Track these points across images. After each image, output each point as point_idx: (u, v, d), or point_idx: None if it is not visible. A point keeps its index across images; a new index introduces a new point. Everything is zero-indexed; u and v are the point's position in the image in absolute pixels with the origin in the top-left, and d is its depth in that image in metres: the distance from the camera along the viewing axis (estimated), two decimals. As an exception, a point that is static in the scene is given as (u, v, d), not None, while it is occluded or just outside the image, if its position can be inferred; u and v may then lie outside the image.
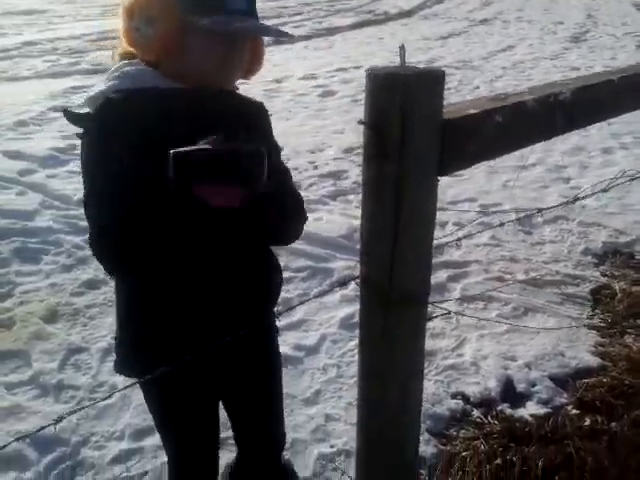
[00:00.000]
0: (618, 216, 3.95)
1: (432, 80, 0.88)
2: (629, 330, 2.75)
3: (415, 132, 0.88)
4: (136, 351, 1.31)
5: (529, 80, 7.37)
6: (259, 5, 1.18)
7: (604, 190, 2.11)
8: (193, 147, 0.96)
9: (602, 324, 2.82)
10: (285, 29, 1.24)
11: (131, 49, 1.18)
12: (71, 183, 4.07)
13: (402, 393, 1.07)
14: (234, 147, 0.98)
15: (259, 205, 1.11)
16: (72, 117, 1.15)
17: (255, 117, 1.29)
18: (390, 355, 1.03)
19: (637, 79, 1.33)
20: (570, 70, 7.87)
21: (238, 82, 1.30)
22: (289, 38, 1.28)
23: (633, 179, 2.04)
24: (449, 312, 1.54)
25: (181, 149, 0.95)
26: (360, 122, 0.93)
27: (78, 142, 1.18)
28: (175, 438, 1.45)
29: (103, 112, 1.12)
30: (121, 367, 1.36)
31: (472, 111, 0.96)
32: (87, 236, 1.16)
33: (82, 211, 1.18)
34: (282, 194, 1.20)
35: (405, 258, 0.96)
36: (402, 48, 0.89)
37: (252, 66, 1.26)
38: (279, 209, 1.20)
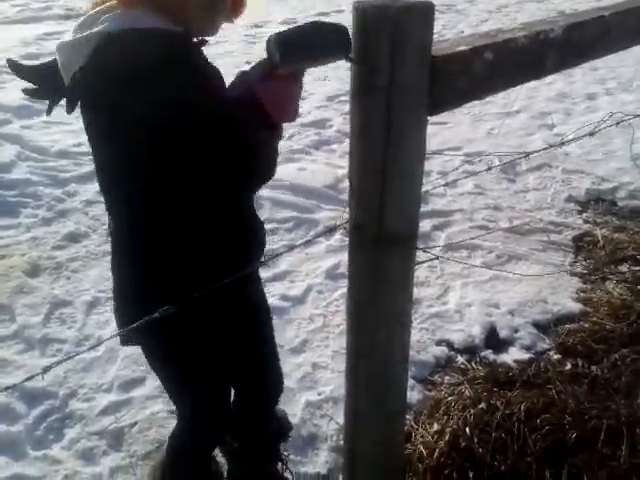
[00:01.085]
0: (601, 163, 3.96)
1: (422, 13, 0.85)
2: (610, 276, 2.79)
3: (405, 66, 0.86)
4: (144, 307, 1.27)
5: (514, 24, 7.23)
6: None
7: (591, 133, 2.10)
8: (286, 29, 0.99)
9: (584, 271, 2.86)
10: None
11: None
12: (47, 134, 3.96)
13: (391, 336, 1.08)
14: (329, 23, 0.99)
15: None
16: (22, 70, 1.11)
17: None
18: (380, 297, 1.04)
19: (628, 15, 1.30)
20: (556, 13, 7.73)
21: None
22: None
23: (619, 123, 2.03)
24: (437, 257, 1.54)
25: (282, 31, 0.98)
26: (348, 59, 0.91)
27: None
28: (191, 384, 1.41)
29: (107, 47, 0.99)
30: (125, 337, 1.30)
31: (462, 48, 0.94)
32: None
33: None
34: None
35: (395, 199, 0.95)
36: None
37: (236, 7, 1.20)
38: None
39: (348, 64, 0.92)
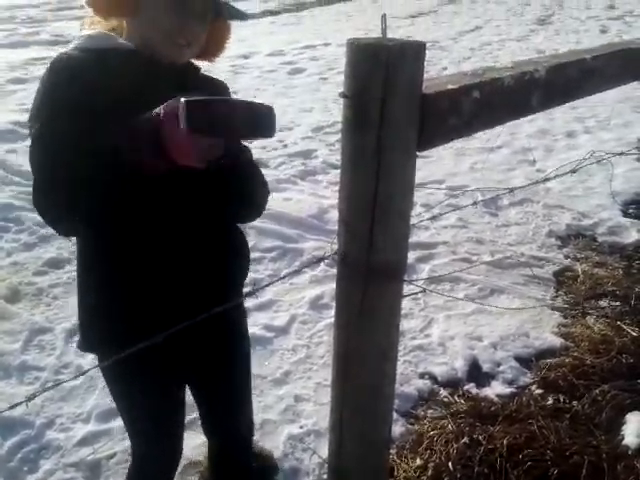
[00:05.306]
0: (581, 199, 4.04)
1: (414, 52, 0.87)
2: (590, 311, 2.82)
3: (396, 104, 0.88)
4: (99, 327, 1.27)
5: (496, 62, 7.41)
6: None
7: (573, 171, 2.15)
8: (206, 97, 0.93)
9: (565, 305, 2.89)
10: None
11: (97, 18, 1.17)
12: (26, 159, 3.93)
13: (377, 369, 1.08)
14: (250, 102, 0.95)
15: (229, 175, 1.11)
16: None
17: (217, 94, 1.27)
18: (368, 331, 1.04)
19: (608, 59, 1.35)
20: (536, 53, 7.95)
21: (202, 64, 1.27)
22: (243, 19, 1.26)
23: (599, 161, 2.08)
24: (424, 290, 1.55)
25: (196, 98, 0.91)
26: (341, 94, 0.93)
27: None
28: (139, 420, 1.40)
29: (55, 65, 1.11)
30: (83, 344, 1.31)
31: (451, 86, 0.97)
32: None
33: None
34: (250, 165, 1.22)
35: (384, 232, 0.96)
36: (384, 17, 0.88)
37: (212, 47, 1.24)
38: (245, 182, 1.20)
39: (336, 96, 0.94)
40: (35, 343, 2.44)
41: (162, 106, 0.97)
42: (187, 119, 0.91)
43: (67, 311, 2.63)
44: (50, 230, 1.18)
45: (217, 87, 1.30)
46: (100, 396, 2.18)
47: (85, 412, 2.12)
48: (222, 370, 1.44)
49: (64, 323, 2.56)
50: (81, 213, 1.09)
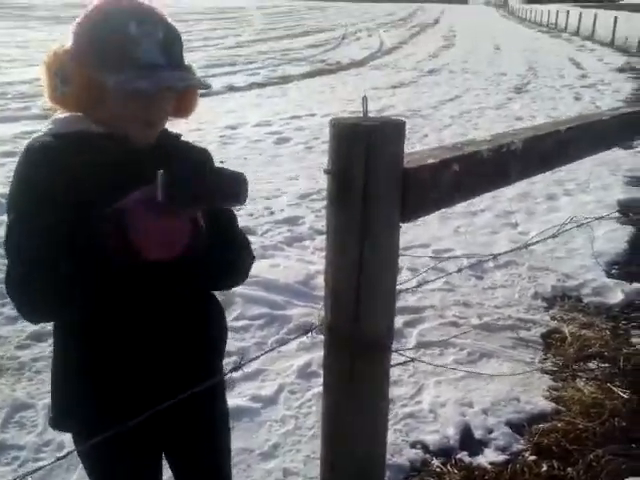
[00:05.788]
0: (565, 260, 4.09)
1: (394, 130, 0.91)
2: (580, 374, 2.81)
3: (378, 180, 0.91)
4: (72, 406, 1.25)
5: (476, 129, 7.66)
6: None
7: (554, 235, 2.19)
8: (180, 171, 0.94)
9: (554, 368, 2.87)
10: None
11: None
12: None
13: (368, 442, 1.06)
14: (221, 169, 0.96)
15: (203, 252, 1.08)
16: None
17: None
18: (358, 402, 1.03)
19: (583, 130, 1.41)
20: (514, 120, 8.23)
21: (181, 121, 1.28)
22: (207, 88, 1.27)
23: (579, 225, 2.13)
24: (412, 359, 1.55)
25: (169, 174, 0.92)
26: (325, 171, 0.95)
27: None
28: None
29: (26, 154, 1.11)
30: (56, 422, 1.28)
31: (431, 161, 1.00)
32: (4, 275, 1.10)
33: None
34: (229, 237, 1.22)
35: (370, 303, 0.97)
36: (365, 99, 0.92)
37: (181, 109, 1.24)
38: (223, 255, 1.19)
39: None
40: (16, 420, 2.37)
41: (122, 201, 0.97)
42: (164, 192, 0.92)
43: (49, 386, 2.56)
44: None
45: (199, 154, 1.30)
46: (81, 475, 2.10)
47: (66, 492, 2.04)
48: (199, 442, 1.40)
49: (47, 399, 2.48)
50: (71, 309, 1.09)
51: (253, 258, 1.33)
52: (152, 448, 1.35)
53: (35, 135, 1.17)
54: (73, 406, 1.25)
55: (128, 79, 1.06)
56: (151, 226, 0.95)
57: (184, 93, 1.21)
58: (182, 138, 1.28)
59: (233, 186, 0.96)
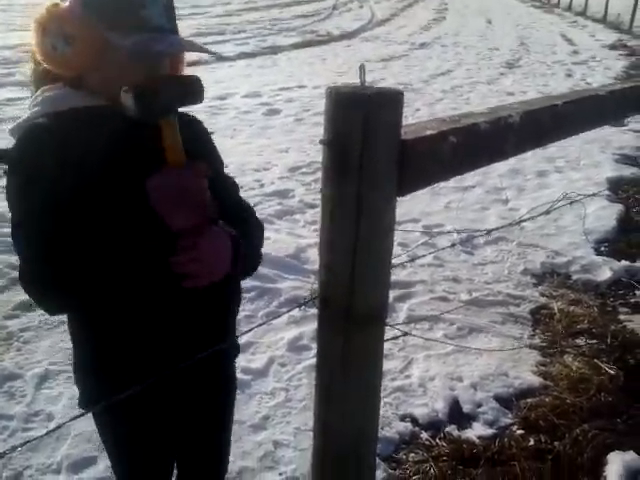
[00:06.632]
0: (554, 237, 4.10)
1: (393, 99, 0.89)
2: (568, 349, 2.84)
3: (376, 151, 0.88)
4: (94, 378, 1.24)
5: (467, 104, 7.61)
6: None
7: (547, 212, 2.19)
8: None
9: (543, 344, 2.90)
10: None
11: (45, 65, 1.11)
12: (2, 200, 3.87)
13: (360, 414, 1.06)
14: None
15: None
16: None
17: (197, 133, 1.28)
18: (351, 375, 1.02)
19: (578, 104, 1.39)
20: (506, 95, 8.18)
21: None
22: (213, 55, 1.26)
23: (572, 202, 2.13)
24: (405, 334, 1.55)
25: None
26: (321, 142, 0.93)
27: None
28: (129, 464, 1.37)
29: (26, 141, 1.05)
30: (84, 401, 1.27)
31: (429, 132, 0.98)
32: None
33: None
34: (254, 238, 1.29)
35: (365, 276, 0.96)
36: (362, 67, 0.90)
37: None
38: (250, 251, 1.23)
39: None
40: (4, 390, 2.36)
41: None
42: (137, 105, 0.97)
43: (38, 356, 2.55)
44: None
45: (194, 124, 1.29)
46: (71, 445, 2.10)
47: (55, 462, 2.04)
48: (208, 407, 1.41)
49: (35, 369, 2.48)
50: (81, 299, 1.11)
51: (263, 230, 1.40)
52: (168, 415, 1.34)
53: (22, 120, 1.11)
54: (94, 375, 1.24)
55: (143, 40, 1.02)
56: (159, 184, 0.98)
57: (173, 60, 1.19)
58: None
59: (193, 86, 1.05)
